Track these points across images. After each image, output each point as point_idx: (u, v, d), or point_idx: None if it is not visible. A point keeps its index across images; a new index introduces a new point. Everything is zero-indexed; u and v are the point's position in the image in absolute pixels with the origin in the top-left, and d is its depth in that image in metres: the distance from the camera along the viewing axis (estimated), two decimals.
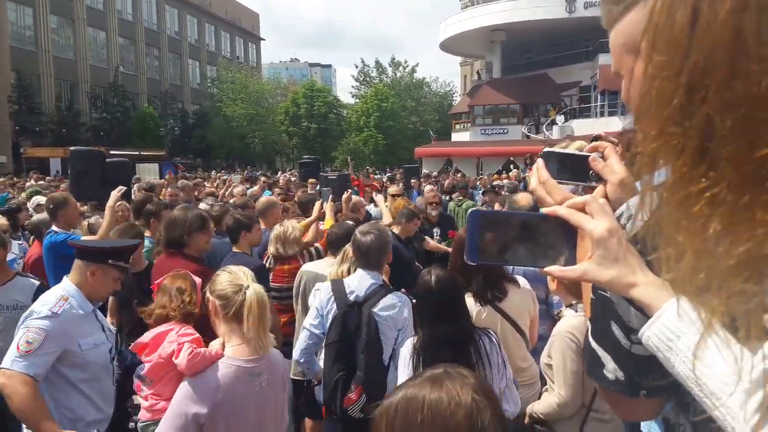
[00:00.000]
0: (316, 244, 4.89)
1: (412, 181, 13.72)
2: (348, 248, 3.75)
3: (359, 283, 3.23)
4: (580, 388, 2.55)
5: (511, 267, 3.19)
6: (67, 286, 2.88)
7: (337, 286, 3.26)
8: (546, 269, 0.88)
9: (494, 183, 13.27)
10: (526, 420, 2.79)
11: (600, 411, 2.60)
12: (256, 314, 2.32)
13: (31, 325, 2.65)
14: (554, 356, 2.63)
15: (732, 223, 0.47)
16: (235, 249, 4.33)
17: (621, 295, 0.85)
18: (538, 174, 1.01)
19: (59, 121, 35.24)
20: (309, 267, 4.25)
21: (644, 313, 0.82)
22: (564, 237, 0.88)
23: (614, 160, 1.00)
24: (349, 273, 3.50)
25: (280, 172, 23.50)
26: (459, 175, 21.79)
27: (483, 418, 1.09)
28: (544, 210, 0.90)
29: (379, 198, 7.14)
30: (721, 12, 0.43)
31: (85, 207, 6.23)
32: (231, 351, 2.35)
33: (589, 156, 1.02)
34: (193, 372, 2.25)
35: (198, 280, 2.88)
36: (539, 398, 2.88)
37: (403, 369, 2.62)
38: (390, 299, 3.16)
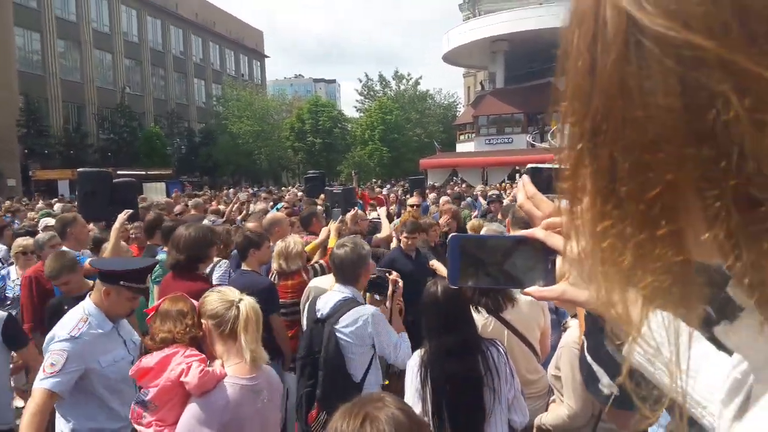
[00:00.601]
0: (321, 261, 4.91)
1: (415, 193, 13.67)
2: None
3: (328, 299, 3.20)
4: (590, 399, 2.53)
5: None
6: (87, 305, 3.01)
7: (314, 302, 3.28)
8: (527, 290, 0.90)
9: (490, 193, 13.28)
10: None
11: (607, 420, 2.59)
12: (254, 325, 2.34)
13: (53, 348, 2.80)
14: (563, 368, 2.60)
15: (639, 256, 0.50)
16: (244, 267, 4.34)
17: (601, 314, 0.85)
18: (525, 189, 1.03)
19: (67, 143, 35.57)
20: (317, 282, 4.26)
21: None
22: (543, 258, 0.90)
23: None
24: None
25: (291, 187, 23.50)
26: (464, 185, 21.80)
27: None
28: (521, 232, 0.92)
29: (381, 211, 7.07)
30: (608, 62, 0.47)
31: (94, 228, 6.28)
32: (231, 370, 2.35)
33: None
34: (203, 391, 2.25)
35: (196, 302, 2.88)
36: (546, 410, 2.87)
37: (410, 383, 2.61)
38: (352, 315, 3.06)
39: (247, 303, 2.41)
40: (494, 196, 11.64)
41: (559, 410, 2.62)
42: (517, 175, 27.25)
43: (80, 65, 39.45)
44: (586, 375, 0.95)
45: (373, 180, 32.77)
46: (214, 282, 4.16)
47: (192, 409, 2.24)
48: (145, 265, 3.24)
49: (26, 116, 32.82)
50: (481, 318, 3.02)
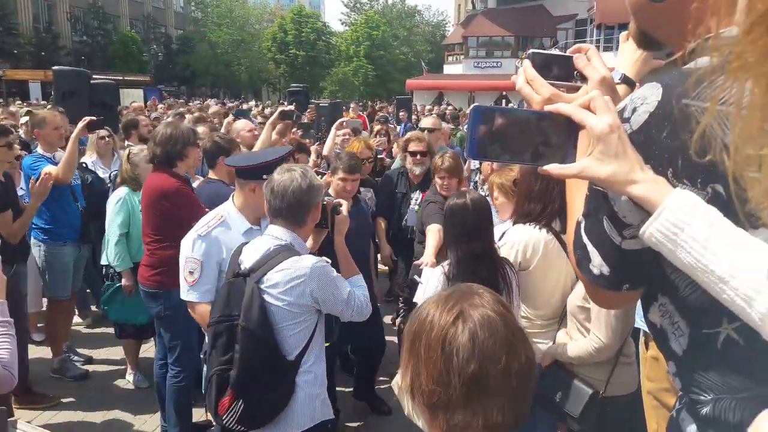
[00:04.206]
0: None
1: (401, 113, 13.22)
2: None
3: (256, 245, 2.34)
4: (620, 332, 2.43)
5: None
6: (228, 205, 2.91)
7: (240, 248, 2.43)
8: (545, 167, 0.89)
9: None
10: (544, 362, 2.65)
11: (626, 354, 2.55)
12: None
13: (187, 255, 2.74)
14: None
15: None
16: (211, 175, 4.05)
17: (619, 192, 0.86)
18: (525, 73, 1.03)
19: (38, 43, 33.93)
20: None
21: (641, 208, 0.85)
22: (565, 134, 0.89)
23: (596, 60, 1.05)
24: None
25: (277, 103, 22.90)
26: (450, 108, 21.53)
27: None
28: (547, 107, 0.91)
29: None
30: None
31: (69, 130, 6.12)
32: None
33: (573, 56, 1.06)
34: None
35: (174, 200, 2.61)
36: (554, 341, 2.70)
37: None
38: (285, 269, 2.19)
39: None
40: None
41: (584, 343, 2.49)
42: (504, 101, 26.97)
43: None
44: (580, 255, 1.00)
45: (363, 99, 32.10)
46: None
47: None
48: (283, 153, 2.96)
49: None
50: (546, 236, 2.69)
